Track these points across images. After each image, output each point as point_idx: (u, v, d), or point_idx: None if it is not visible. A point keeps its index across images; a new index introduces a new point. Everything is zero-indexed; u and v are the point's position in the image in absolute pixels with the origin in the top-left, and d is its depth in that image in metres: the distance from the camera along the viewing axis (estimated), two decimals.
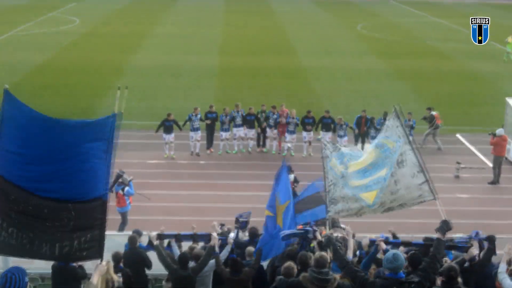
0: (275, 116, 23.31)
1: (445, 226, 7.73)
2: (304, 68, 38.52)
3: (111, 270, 9.73)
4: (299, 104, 29.21)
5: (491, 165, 22.22)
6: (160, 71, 36.63)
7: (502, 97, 26.94)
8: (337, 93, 32.86)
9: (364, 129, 23.50)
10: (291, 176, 17.72)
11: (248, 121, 23.22)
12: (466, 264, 9.05)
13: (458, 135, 26.80)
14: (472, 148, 25.17)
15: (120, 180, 16.40)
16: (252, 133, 23.44)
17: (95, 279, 6.68)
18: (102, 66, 37.50)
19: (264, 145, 23.91)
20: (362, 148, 21.88)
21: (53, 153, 6.81)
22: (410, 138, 9.14)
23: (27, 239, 6.67)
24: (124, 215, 16.74)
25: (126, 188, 16.43)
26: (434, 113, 24.89)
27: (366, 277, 7.24)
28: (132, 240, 11.46)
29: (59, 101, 29.95)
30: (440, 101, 31.83)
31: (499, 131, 21.81)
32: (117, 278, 9.85)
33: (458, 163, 22.13)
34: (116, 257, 10.54)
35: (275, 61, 40.13)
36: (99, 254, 7.11)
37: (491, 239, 9.14)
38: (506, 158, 23.26)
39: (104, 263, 6.97)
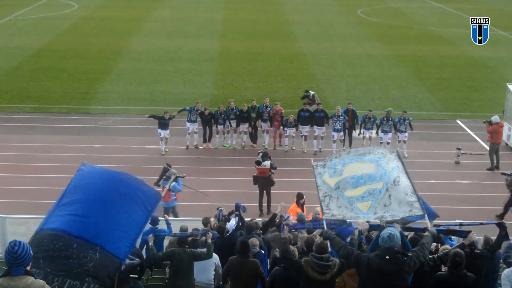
0: (268, 109, 22.96)
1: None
2: (304, 53, 38.36)
3: None
4: (299, 89, 29.09)
5: None
6: (159, 56, 36.48)
7: (503, 82, 26.85)
8: (337, 78, 32.73)
9: (351, 123, 22.54)
10: (267, 163, 17.48)
11: (242, 117, 22.85)
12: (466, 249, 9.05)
13: (458, 121, 26.73)
14: (473, 134, 25.10)
15: (167, 174, 16.18)
16: (245, 126, 22.98)
17: None
18: (101, 50, 37.32)
19: (255, 141, 23.28)
20: (350, 146, 21.81)
21: (101, 198, 7.31)
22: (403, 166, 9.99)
23: (42, 275, 6.69)
24: (167, 210, 16.31)
25: (173, 184, 15.93)
26: (312, 92, 24.05)
27: (359, 253, 7.52)
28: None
29: (58, 85, 29.84)
30: (440, 86, 31.77)
31: (495, 118, 21.66)
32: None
33: (458, 149, 22.07)
34: None
35: (275, 45, 39.97)
36: None
37: (502, 226, 9.26)
38: (507, 144, 23.23)
39: None
